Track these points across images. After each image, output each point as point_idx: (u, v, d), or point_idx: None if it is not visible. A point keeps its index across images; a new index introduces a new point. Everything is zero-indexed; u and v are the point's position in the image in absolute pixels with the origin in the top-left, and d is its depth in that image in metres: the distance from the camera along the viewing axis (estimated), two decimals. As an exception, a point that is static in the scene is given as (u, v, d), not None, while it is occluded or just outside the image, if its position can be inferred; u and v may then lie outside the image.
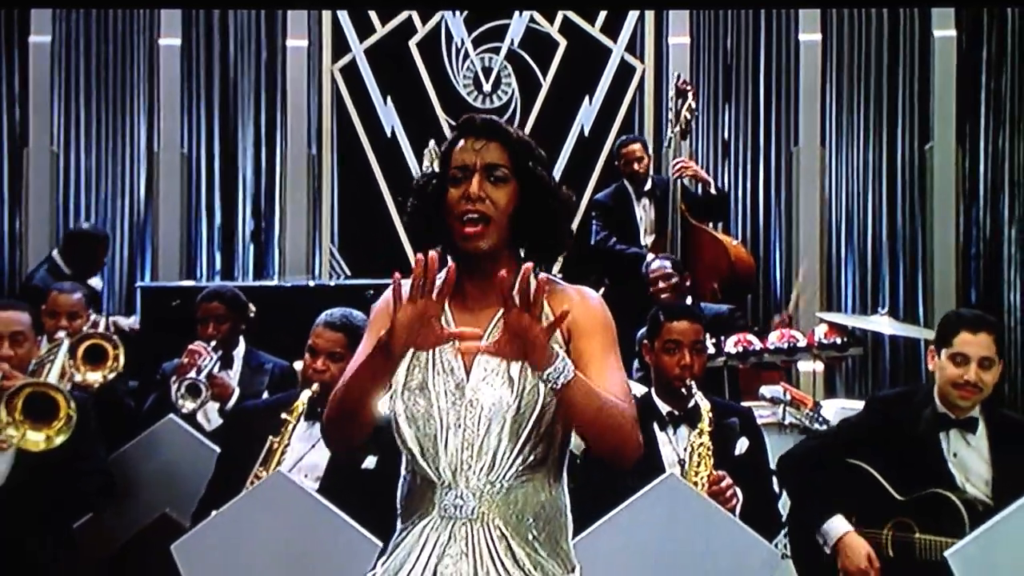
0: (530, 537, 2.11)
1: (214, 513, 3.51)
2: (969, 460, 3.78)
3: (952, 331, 3.79)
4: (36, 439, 3.79)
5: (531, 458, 2.10)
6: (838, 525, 3.74)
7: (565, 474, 2.19)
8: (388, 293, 2.13)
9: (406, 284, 2.05)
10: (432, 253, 2.02)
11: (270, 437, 3.77)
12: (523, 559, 2.10)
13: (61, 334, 4.64)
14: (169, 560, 3.68)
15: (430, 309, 2.01)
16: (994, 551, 3.28)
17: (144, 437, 4.35)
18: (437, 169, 2.21)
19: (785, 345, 4.88)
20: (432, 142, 1.96)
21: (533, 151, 2.21)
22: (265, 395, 4.70)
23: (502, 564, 2.09)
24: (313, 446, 3.78)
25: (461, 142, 2.18)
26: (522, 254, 2.22)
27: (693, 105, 6.60)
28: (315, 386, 3.79)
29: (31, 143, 7.80)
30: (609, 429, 2.03)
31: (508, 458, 2.10)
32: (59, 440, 3.78)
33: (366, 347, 2.19)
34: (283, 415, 3.78)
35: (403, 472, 2.20)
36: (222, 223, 7.97)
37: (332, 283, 7.16)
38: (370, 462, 3.70)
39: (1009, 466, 3.68)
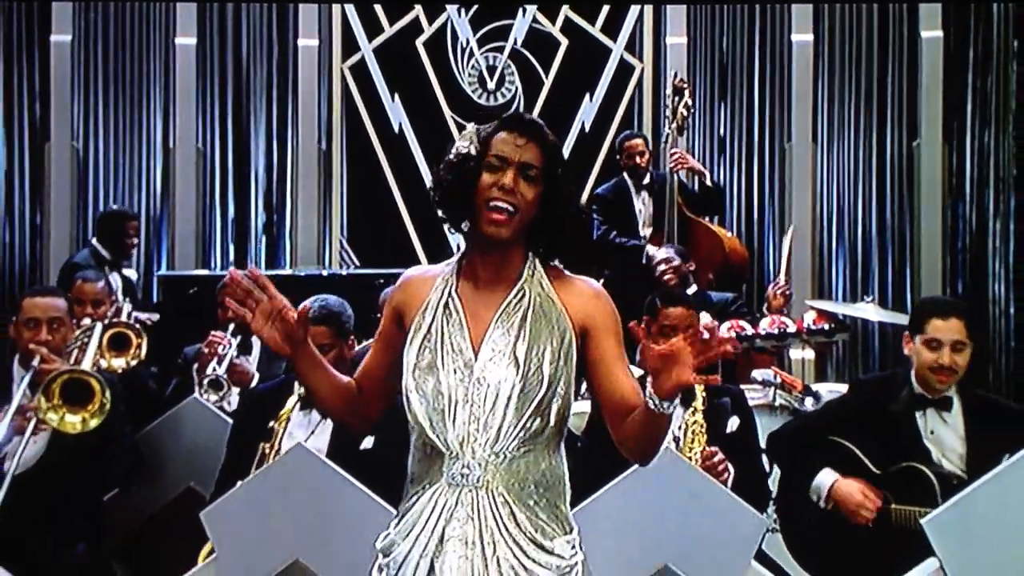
0: (531, 503, 2.21)
1: (239, 483, 3.69)
2: (945, 437, 3.90)
3: (924, 318, 3.92)
4: (73, 422, 3.90)
5: (532, 431, 2.20)
6: (827, 476, 3.88)
7: (563, 445, 2.29)
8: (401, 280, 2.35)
9: (411, 271, 2.32)
10: (235, 271, 2.22)
11: (271, 423, 3.95)
12: (524, 522, 2.20)
13: (87, 320, 4.78)
14: (193, 530, 3.86)
15: (273, 306, 2.21)
16: (967, 519, 3.43)
17: (169, 416, 4.50)
18: (473, 152, 2.27)
19: (776, 331, 5.00)
20: (473, 124, 2.05)
21: (562, 160, 2.31)
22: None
23: (504, 527, 2.19)
24: (313, 432, 3.92)
25: (504, 134, 2.25)
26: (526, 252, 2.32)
27: (689, 102, 6.71)
28: None
29: (52, 138, 7.86)
30: (657, 442, 2.20)
31: (511, 431, 2.20)
32: (93, 423, 3.89)
33: (383, 324, 2.36)
34: (271, 424, 3.90)
35: (412, 444, 2.29)
36: (235, 215, 8.08)
37: (344, 272, 7.26)
38: (368, 442, 3.88)
39: (982, 442, 3.80)
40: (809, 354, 6.74)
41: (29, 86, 7.94)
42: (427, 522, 2.23)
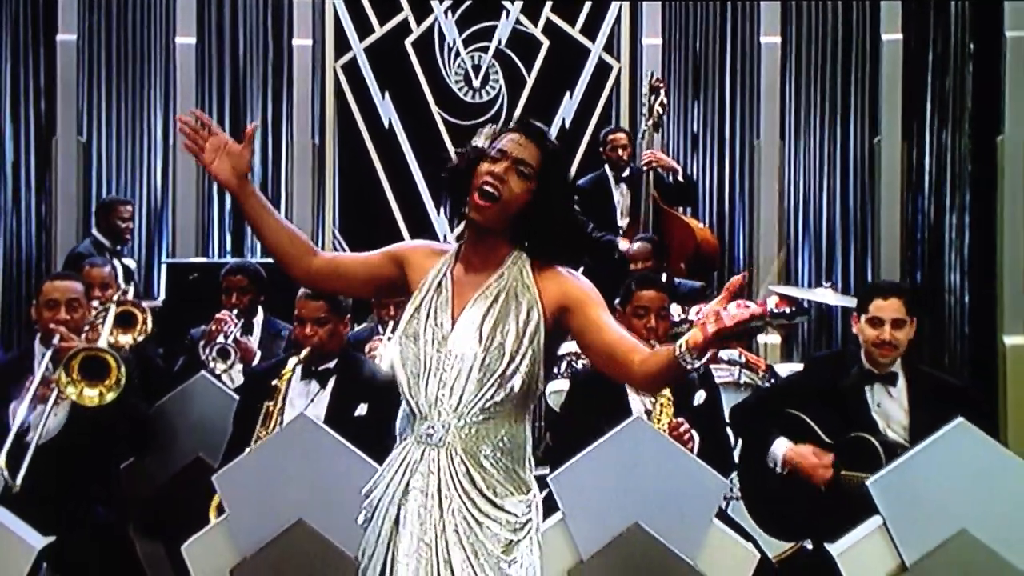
0: (487, 465, 2.36)
1: (248, 450, 3.92)
2: (890, 409, 4.17)
3: (868, 299, 4.19)
4: (91, 395, 4.08)
5: (493, 401, 2.35)
6: (780, 445, 4.15)
7: (528, 414, 2.45)
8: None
9: (428, 242, 2.57)
10: (183, 116, 2.53)
11: (265, 402, 4.17)
12: (478, 480, 2.36)
13: (95, 303, 5.00)
14: (201, 496, 4.06)
15: (219, 141, 2.50)
16: (907, 480, 3.64)
17: (179, 391, 4.67)
18: (484, 145, 2.43)
19: (739, 311, 5.21)
20: (490, 125, 2.20)
21: (561, 167, 2.46)
22: (282, 358, 5.09)
23: (460, 483, 2.35)
24: (312, 400, 4.17)
25: (511, 134, 2.41)
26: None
27: (664, 100, 6.88)
28: (304, 351, 4.17)
29: (59, 133, 7.85)
30: (666, 384, 2.41)
31: (473, 399, 2.35)
32: (110, 396, 4.07)
33: (383, 251, 2.59)
34: (274, 382, 4.15)
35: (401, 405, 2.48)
36: (232, 207, 8.01)
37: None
38: (362, 409, 4.13)
39: (924, 414, 4.06)
40: (775, 338, 7.00)
41: (35, 84, 7.92)
42: (395, 473, 2.41)
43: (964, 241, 7.79)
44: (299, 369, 4.23)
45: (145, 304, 5.93)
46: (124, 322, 4.97)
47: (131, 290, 5.76)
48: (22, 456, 3.95)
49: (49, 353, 4.21)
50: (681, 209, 6.99)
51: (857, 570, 3.60)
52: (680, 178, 6.90)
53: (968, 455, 3.63)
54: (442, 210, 7.62)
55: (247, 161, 2.55)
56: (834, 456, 4.11)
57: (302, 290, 4.20)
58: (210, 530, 3.73)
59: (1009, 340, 7.52)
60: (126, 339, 4.90)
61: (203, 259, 7.57)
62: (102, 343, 4.37)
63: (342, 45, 8.12)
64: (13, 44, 7.89)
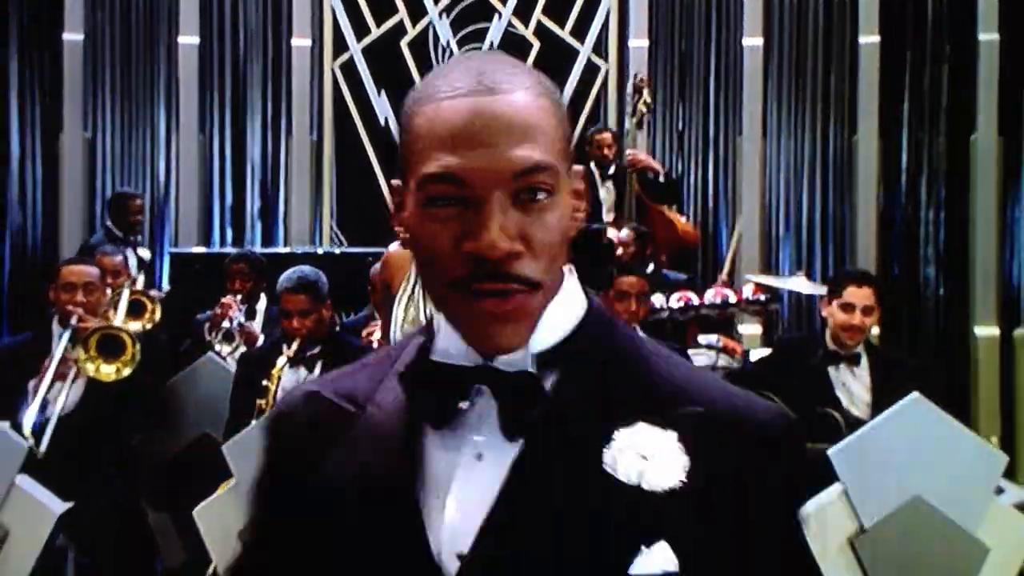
0: None
1: (254, 423, 4.18)
2: (854, 387, 4.42)
3: (841, 285, 4.44)
4: (108, 371, 4.35)
5: None
6: None
7: None
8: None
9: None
10: None
11: (257, 399, 4.42)
12: None
13: (107, 289, 5.26)
14: (208, 469, 4.31)
15: None
16: (865, 450, 3.82)
17: (187, 372, 4.91)
18: None
19: (719, 301, 5.48)
20: None
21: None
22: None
23: None
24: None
25: None
26: None
27: (649, 100, 7.02)
28: (294, 346, 4.41)
29: (65, 129, 7.98)
30: None
31: None
32: (126, 372, 4.34)
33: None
34: (264, 382, 4.39)
35: None
36: (233, 201, 8.21)
37: (337, 251, 7.54)
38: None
39: (884, 391, 4.28)
40: (757, 328, 7.25)
41: (42, 81, 8.02)
42: None
43: (939, 236, 7.99)
44: (288, 365, 4.48)
45: (154, 292, 6.23)
46: (134, 310, 5.21)
47: (141, 279, 6.01)
48: (44, 428, 4.19)
49: (67, 333, 4.47)
50: (665, 204, 7.13)
51: (820, 532, 3.83)
52: (661, 178, 7.10)
53: (922, 427, 3.83)
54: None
55: None
56: None
57: (282, 283, 4.46)
58: (219, 496, 3.96)
59: (980, 331, 7.78)
60: (135, 326, 5.08)
61: (206, 249, 7.75)
62: (118, 322, 4.63)
63: (340, 45, 8.24)
64: (20, 43, 7.98)
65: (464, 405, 1.14)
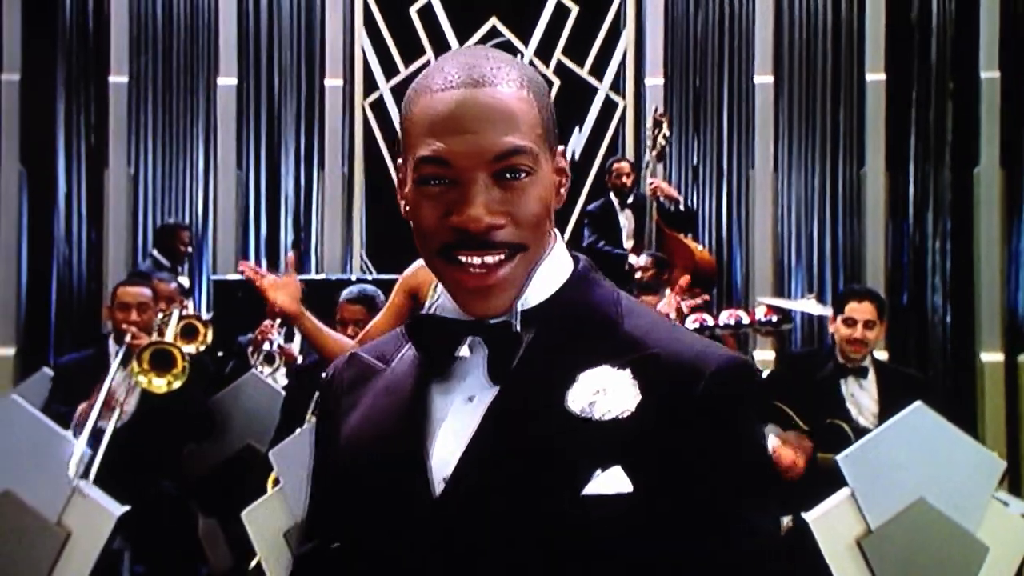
0: None
1: (299, 430, 4.36)
2: (862, 399, 4.59)
3: (844, 301, 4.62)
4: (160, 384, 4.59)
5: None
6: (770, 438, 4.51)
7: None
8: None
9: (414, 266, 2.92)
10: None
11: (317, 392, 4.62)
12: None
13: (159, 315, 5.47)
14: (249, 478, 4.52)
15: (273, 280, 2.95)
16: (871, 456, 4.01)
17: (232, 388, 5.15)
18: None
19: (732, 321, 5.63)
20: None
21: None
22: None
23: None
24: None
25: None
26: None
27: (667, 133, 7.13)
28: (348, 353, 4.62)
29: (111, 165, 8.13)
30: None
31: None
32: (177, 385, 4.57)
33: (396, 299, 2.97)
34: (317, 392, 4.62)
35: None
36: (268, 234, 8.34)
37: (370, 278, 7.56)
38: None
39: (890, 403, 4.41)
40: (770, 354, 7.38)
41: (87, 121, 8.18)
42: None
43: (946, 266, 8.06)
44: None
45: (204, 317, 6.44)
46: (187, 333, 5.42)
47: (190, 304, 6.21)
48: (101, 438, 4.41)
49: (122, 350, 4.70)
50: (682, 232, 7.29)
51: (829, 534, 4.00)
52: (681, 207, 7.29)
53: (925, 434, 4.02)
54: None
55: (296, 284, 3.09)
56: (810, 455, 4.51)
57: (344, 294, 4.66)
58: (267, 498, 4.11)
59: (986, 357, 7.84)
60: (189, 349, 5.27)
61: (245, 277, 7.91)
62: (169, 338, 4.85)
63: (370, 85, 8.41)
64: (68, 85, 8.16)
65: (464, 353, 1.30)
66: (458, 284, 1.28)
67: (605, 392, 1.24)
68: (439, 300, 1.36)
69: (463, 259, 1.26)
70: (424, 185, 1.26)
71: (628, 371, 1.24)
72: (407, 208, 1.33)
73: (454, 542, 1.24)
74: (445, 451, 1.28)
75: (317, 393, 4.58)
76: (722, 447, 1.24)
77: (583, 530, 1.21)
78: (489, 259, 1.26)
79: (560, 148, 1.35)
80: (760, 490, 1.28)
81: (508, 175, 1.26)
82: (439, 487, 1.27)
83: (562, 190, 1.35)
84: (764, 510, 1.27)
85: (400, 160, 1.33)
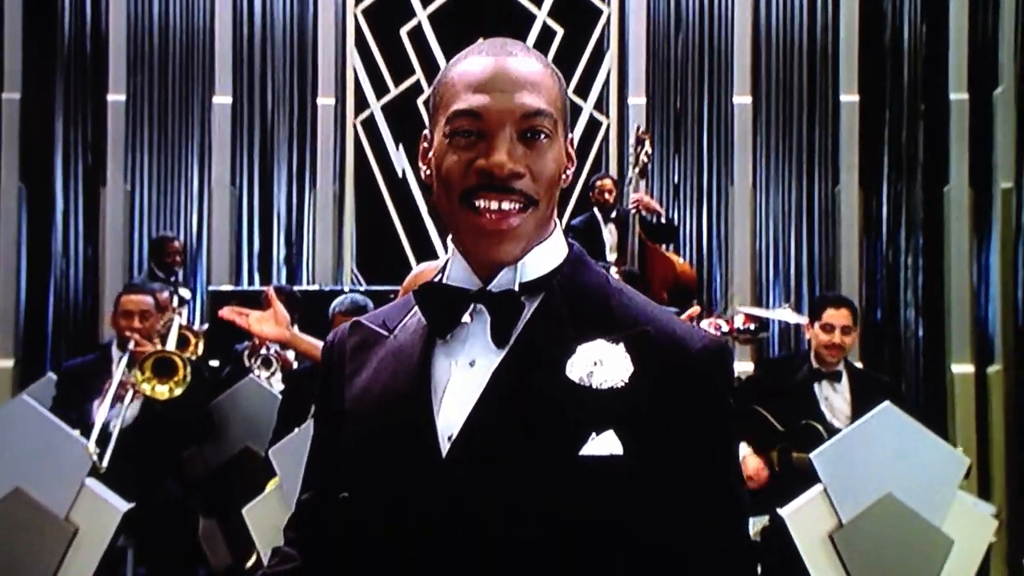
0: None
1: (296, 430, 4.48)
2: (835, 402, 4.75)
3: (821, 308, 4.78)
4: (162, 391, 4.71)
5: None
6: (740, 449, 4.71)
7: None
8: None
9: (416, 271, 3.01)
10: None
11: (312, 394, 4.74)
12: None
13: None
14: (248, 478, 4.64)
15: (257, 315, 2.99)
16: (843, 453, 4.16)
17: (231, 392, 5.25)
18: None
19: (712, 330, 5.81)
20: None
21: None
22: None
23: None
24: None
25: None
26: None
27: (649, 150, 7.21)
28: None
29: (108, 183, 8.20)
30: None
31: None
32: (178, 391, 4.69)
33: None
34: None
35: None
36: (261, 248, 8.41)
37: (362, 288, 7.65)
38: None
39: (863, 405, 4.53)
40: (748, 365, 7.52)
41: (84, 139, 8.25)
42: None
43: (917, 281, 8.18)
44: None
45: (197, 328, 6.56)
46: (179, 343, 5.50)
47: (185, 312, 6.32)
48: (106, 442, 4.54)
49: (125, 356, 4.83)
50: (664, 246, 7.40)
51: (803, 528, 4.14)
52: (663, 220, 7.42)
53: (893, 432, 4.17)
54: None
55: (280, 314, 3.24)
56: (768, 476, 4.63)
57: (335, 306, 4.77)
58: (266, 495, 4.24)
59: (956, 369, 7.95)
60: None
61: (243, 287, 8.01)
62: (170, 347, 4.98)
63: (361, 103, 8.51)
64: (66, 104, 8.24)
65: (466, 319, 1.42)
66: (476, 228, 1.39)
67: (601, 363, 1.36)
68: (449, 272, 1.47)
69: (482, 203, 1.37)
70: (454, 138, 1.39)
71: (622, 346, 1.37)
72: (427, 172, 1.46)
73: (459, 498, 1.36)
74: (450, 412, 1.39)
75: (313, 394, 4.75)
76: (704, 415, 1.39)
77: (579, 486, 1.33)
78: (506, 205, 1.38)
79: (570, 137, 1.48)
80: (734, 451, 1.49)
81: (530, 135, 1.39)
82: (445, 445, 1.38)
83: (568, 171, 1.48)
84: (736, 468, 1.46)
85: (426, 131, 1.47)
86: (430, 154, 1.44)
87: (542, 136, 1.40)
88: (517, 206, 1.39)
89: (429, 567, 1.36)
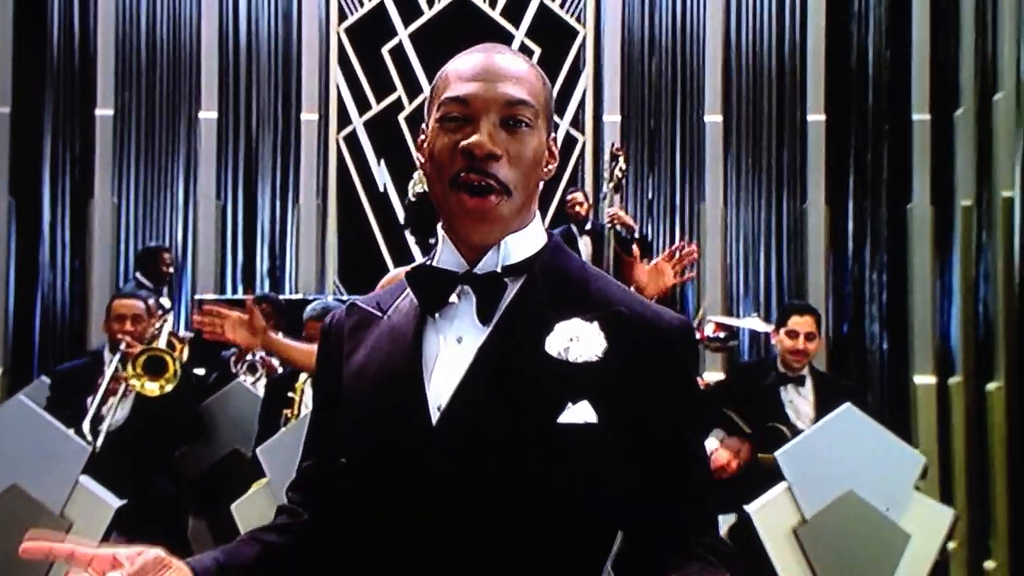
0: None
1: (283, 429, 4.60)
2: (800, 405, 4.89)
3: (786, 315, 4.94)
4: (152, 388, 4.82)
5: None
6: (710, 443, 4.83)
7: None
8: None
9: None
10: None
11: (283, 410, 4.86)
12: None
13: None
14: (237, 479, 4.73)
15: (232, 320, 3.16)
16: (807, 451, 4.31)
17: (220, 395, 5.36)
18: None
19: None
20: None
21: None
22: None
23: None
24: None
25: None
26: None
27: (624, 166, 7.31)
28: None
29: (96, 196, 8.26)
30: None
31: None
32: (168, 388, 4.80)
33: None
34: (289, 393, 4.83)
35: None
36: (244, 261, 8.51)
37: (345, 297, 7.74)
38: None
39: (826, 408, 4.67)
40: (719, 375, 7.65)
41: (72, 153, 8.30)
42: None
43: (881, 295, 8.29)
44: (310, 381, 4.92)
45: (183, 334, 6.66)
46: (167, 348, 5.63)
47: (171, 318, 6.42)
48: (99, 423, 4.67)
49: (117, 357, 4.94)
50: (638, 257, 7.54)
51: (768, 523, 4.29)
52: (636, 235, 7.54)
53: (854, 432, 4.32)
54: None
55: (256, 319, 3.30)
56: (740, 463, 4.76)
57: (306, 314, 4.90)
58: (254, 492, 4.34)
59: (919, 380, 8.01)
60: None
61: (228, 296, 8.07)
62: (160, 345, 5.09)
63: (344, 119, 8.62)
64: (55, 118, 8.29)
65: (454, 299, 1.52)
66: (461, 206, 1.50)
67: (577, 340, 1.47)
68: (438, 256, 1.58)
69: (466, 180, 1.48)
70: (445, 123, 1.50)
71: (596, 324, 1.49)
72: (423, 160, 1.59)
73: (448, 462, 1.48)
74: (439, 383, 1.50)
75: (291, 395, 4.87)
76: (674, 388, 1.52)
77: (556, 451, 1.45)
78: (486, 184, 1.49)
79: (553, 135, 1.60)
80: (700, 424, 1.61)
81: (512, 122, 1.50)
82: (435, 415, 1.49)
83: (550, 166, 1.60)
84: (701, 440, 1.59)
85: (424, 124, 1.58)
86: (426, 143, 1.56)
87: (523, 125, 1.51)
88: (495, 186, 1.49)
89: (422, 522, 1.48)
